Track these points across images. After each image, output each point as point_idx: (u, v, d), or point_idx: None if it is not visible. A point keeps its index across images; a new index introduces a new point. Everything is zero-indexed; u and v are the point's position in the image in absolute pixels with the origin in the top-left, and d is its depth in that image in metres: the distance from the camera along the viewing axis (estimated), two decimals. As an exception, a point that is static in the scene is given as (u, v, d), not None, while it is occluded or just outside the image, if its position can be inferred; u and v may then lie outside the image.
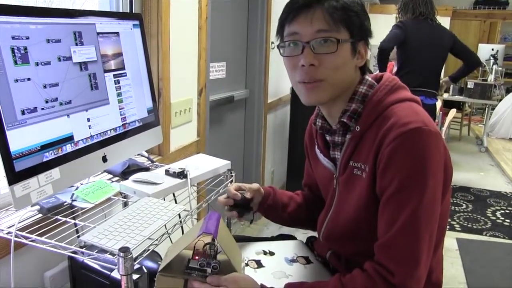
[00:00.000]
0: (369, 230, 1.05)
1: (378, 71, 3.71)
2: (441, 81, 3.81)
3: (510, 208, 4.10)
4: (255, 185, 1.33)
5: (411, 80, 3.55)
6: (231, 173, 1.59)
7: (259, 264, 1.24)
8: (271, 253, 1.31)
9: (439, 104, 4.65)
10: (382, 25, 4.13)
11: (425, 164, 0.97)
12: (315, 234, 1.34)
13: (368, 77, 1.12)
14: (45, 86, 1.11)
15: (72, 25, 1.21)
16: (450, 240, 3.37)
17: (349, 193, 1.13)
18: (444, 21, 8.48)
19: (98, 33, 1.31)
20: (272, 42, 3.21)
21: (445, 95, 6.18)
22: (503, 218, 3.85)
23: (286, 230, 1.54)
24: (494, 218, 3.85)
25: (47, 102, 1.12)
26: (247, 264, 1.23)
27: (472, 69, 3.93)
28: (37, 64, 1.08)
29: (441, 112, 5.06)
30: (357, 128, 1.07)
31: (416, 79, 3.56)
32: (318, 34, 1.03)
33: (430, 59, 3.60)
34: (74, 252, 1.09)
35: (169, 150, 2.03)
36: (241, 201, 1.28)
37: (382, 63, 3.55)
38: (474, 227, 3.64)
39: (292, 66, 1.09)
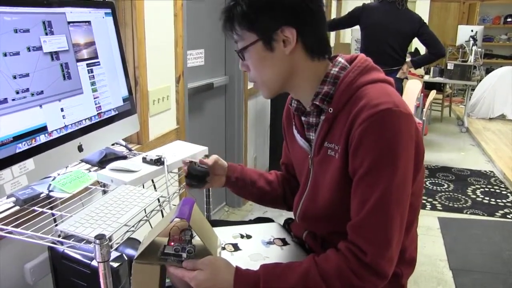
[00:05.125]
0: (344, 210, 1.07)
1: (360, 52, 3.82)
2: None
3: (489, 186, 4.18)
4: (212, 156, 1.36)
5: None
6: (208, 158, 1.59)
7: (236, 248, 1.26)
8: (248, 236, 1.33)
9: (418, 85, 4.71)
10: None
11: (395, 145, 0.98)
12: (292, 216, 1.36)
13: (341, 59, 1.13)
14: (15, 77, 1.10)
15: (40, 15, 1.20)
16: (432, 219, 3.44)
17: (323, 174, 1.14)
18: (424, 3, 8.56)
19: (69, 22, 1.30)
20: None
21: (426, 77, 6.24)
22: (482, 196, 3.93)
23: (269, 214, 1.56)
24: (474, 196, 3.93)
25: (18, 93, 1.11)
26: (224, 248, 1.24)
27: (435, 59, 4.07)
28: (5, 55, 1.08)
29: (422, 94, 5.11)
30: (330, 110, 1.08)
31: (374, 60, 3.68)
32: (237, 46, 1.12)
33: (385, 42, 3.77)
34: (53, 242, 1.10)
35: (148, 138, 2.03)
36: (196, 171, 1.29)
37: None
38: (455, 206, 3.71)
39: None
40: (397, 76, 3.84)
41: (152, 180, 1.49)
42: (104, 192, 1.53)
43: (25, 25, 1.14)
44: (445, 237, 3.17)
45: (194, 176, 1.29)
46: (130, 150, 1.72)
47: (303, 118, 1.19)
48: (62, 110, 1.27)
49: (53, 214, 1.23)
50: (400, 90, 3.94)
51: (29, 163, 1.14)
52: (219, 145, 3.26)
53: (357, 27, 4.00)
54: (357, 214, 1.01)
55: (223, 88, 3.20)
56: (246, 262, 1.17)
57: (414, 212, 1.16)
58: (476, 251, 2.98)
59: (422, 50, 6.46)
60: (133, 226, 1.13)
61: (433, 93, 4.75)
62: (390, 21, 3.72)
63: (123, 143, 1.73)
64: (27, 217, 1.18)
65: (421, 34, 3.80)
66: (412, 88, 4.68)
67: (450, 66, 6.07)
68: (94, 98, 1.40)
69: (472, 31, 6.47)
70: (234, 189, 1.40)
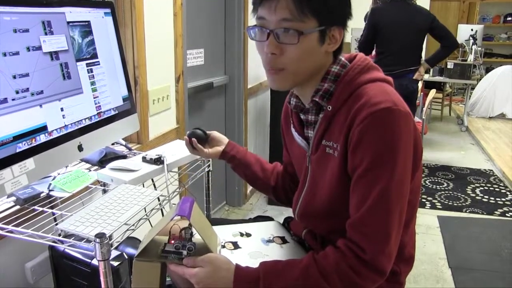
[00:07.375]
0: (342, 208, 1.07)
1: (377, 54, 3.79)
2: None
3: (489, 185, 4.19)
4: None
5: (388, 62, 3.61)
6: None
7: (235, 246, 1.26)
8: (248, 235, 1.33)
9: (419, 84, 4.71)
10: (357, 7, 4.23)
11: (395, 143, 0.99)
12: (291, 214, 1.36)
13: (342, 57, 1.13)
14: (14, 77, 1.11)
15: (40, 14, 1.20)
16: (431, 218, 3.44)
17: (321, 172, 1.15)
18: (424, 2, 8.54)
19: (68, 22, 1.31)
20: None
21: (426, 76, 6.24)
22: (482, 195, 3.93)
23: (269, 213, 1.56)
24: (473, 195, 3.93)
25: (17, 92, 1.12)
26: (223, 246, 1.25)
27: (449, 52, 3.99)
28: (4, 55, 1.08)
29: (421, 93, 5.11)
30: (329, 107, 1.09)
31: (392, 61, 3.63)
32: (282, 23, 1.01)
33: (403, 40, 3.70)
34: (53, 242, 1.10)
35: (148, 138, 2.03)
36: (196, 132, 1.42)
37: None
38: (455, 204, 3.72)
39: (260, 50, 1.09)
40: (414, 77, 3.78)
41: (152, 179, 1.49)
42: (104, 191, 1.54)
43: (24, 25, 1.15)
44: (445, 235, 3.17)
45: (195, 135, 1.41)
46: (130, 149, 1.73)
47: (302, 116, 1.19)
48: (62, 109, 1.27)
49: (53, 213, 1.23)
50: (416, 91, 3.88)
51: (29, 163, 1.15)
52: (219, 145, 3.26)
53: (356, 26, 3.99)
54: (356, 212, 1.02)
55: (223, 87, 3.20)
56: (246, 260, 1.18)
57: (412, 209, 1.16)
58: (475, 249, 2.98)
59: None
60: (133, 225, 1.13)
61: (433, 92, 4.76)
62: (405, 18, 3.65)
63: (123, 142, 1.74)
64: (27, 217, 1.18)
65: (434, 28, 3.74)
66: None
67: (450, 65, 6.07)
68: (94, 98, 1.40)
69: (472, 30, 6.46)
70: (231, 165, 1.48)
